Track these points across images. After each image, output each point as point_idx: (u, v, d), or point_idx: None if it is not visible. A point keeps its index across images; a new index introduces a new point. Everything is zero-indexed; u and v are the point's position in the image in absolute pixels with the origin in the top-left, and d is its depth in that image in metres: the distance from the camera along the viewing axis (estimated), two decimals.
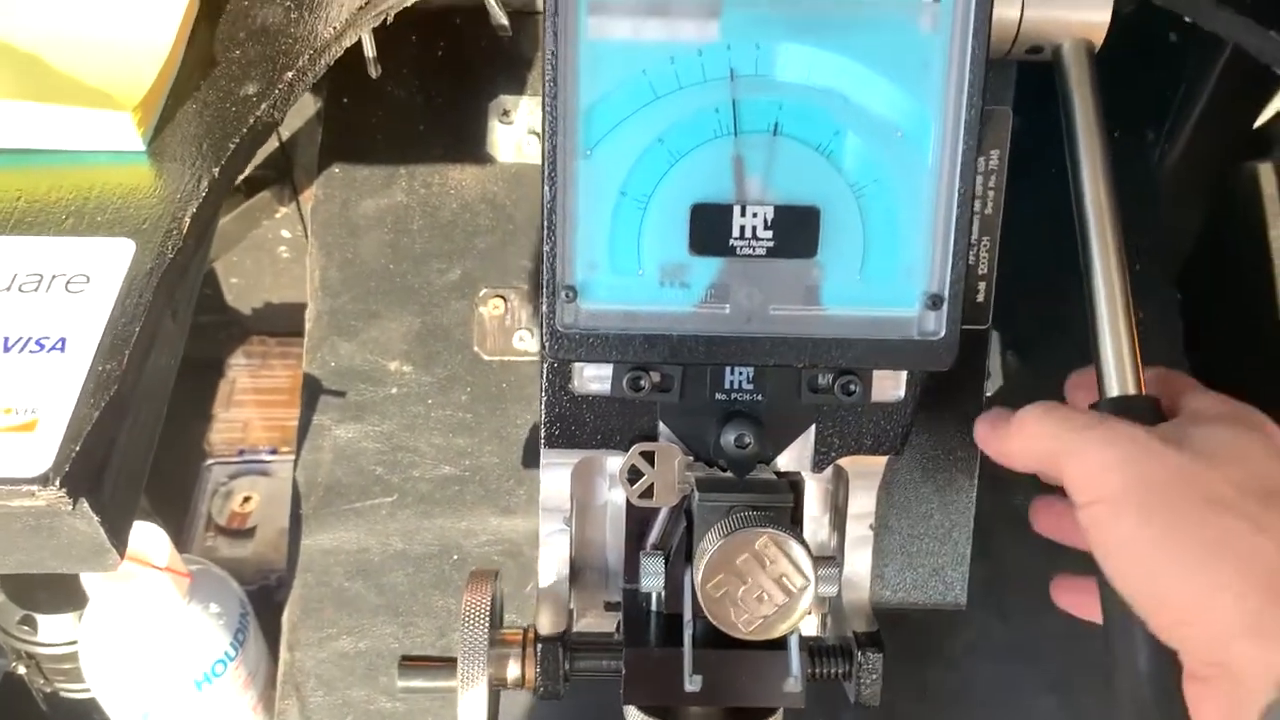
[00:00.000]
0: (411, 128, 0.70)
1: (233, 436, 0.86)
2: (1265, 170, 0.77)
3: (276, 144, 0.78)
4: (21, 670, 0.68)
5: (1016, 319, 0.67)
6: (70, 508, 0.35)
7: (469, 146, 0.70)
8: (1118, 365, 0.43)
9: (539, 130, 0.71)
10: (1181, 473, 0.37)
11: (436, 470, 0.66)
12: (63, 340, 0.37)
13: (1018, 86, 0.50)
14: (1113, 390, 0.43)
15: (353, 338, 0.68)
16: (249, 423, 0.87)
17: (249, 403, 0.88)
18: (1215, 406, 0.42)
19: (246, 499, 0.81)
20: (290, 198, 0.80)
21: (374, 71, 0.64)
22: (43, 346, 0.37)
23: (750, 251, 0.42)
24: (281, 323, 0.90)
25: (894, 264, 0.43)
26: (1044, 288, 0.68)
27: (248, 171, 0.80)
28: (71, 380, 0.36)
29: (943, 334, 0.43)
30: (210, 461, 0.83)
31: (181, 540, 0.79)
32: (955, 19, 0.41)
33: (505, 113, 0.71)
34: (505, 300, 0.69)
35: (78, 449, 0.35)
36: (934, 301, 0.43)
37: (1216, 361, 0.73)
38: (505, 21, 0.67)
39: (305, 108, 0.77)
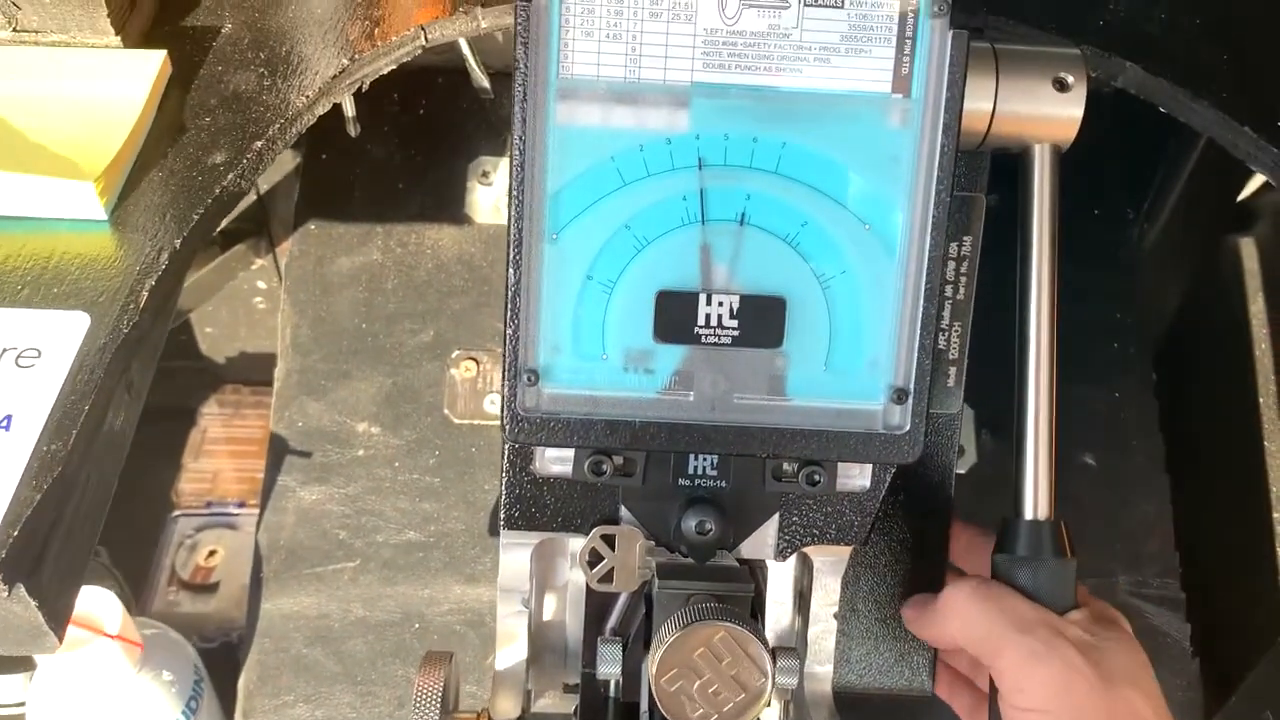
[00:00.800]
0: (390, 186, 0.70)
1: (201, 487, 0.85)
2: (1246, 244, 0.77)
3: (254, 197, 0.78)
4: None
5: (992, 395, 0.67)
6: (5, 593, 0.34)
7: (447, 207, 0.70)
8: (1034, 488, 0.45)
9: None
10: (1105, 698, 0.41)
11: (401, 535, 0.65)
12: (8, 418, 0.37)
13: (996, 163, 0.50)
14: (1027, 512, 0.45)
15: (322, 397, 0.67)
16: (219, 473, 0.86)
17: (220, 453, 0.87)
18: (1107, 611, 0.46)
19: (212, 553, 0.80)
20: (267, 250, 0.80)
21: (353, 130, 0.64)
22: None
23: (715, 340, 0.42)
24: (256, 372, 0.89)
25: (859, 356, 0.42)
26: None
27: (224, 224, 0.80)
28: (14, 461, 0.35)
29: (908, 428, 0.43)
30: (177, 513, 0.82)
31: (143, 593, 0.78)
32: (925, 116, 0.41)
33: (485, 174, 0.71)
34: (477, 363, 0.69)
35: (16, 533, 0.34)
36: (899, 395, 0.42)
37: (1190, 440, 0.73)
38: (487, 84, 0.67)
39: (284, 162, 0.77)
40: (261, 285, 0.83)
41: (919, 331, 0.42)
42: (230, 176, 0.46)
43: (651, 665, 0.41)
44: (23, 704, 0.64)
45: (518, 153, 0.40)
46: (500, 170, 0.71)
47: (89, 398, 0.37)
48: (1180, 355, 0.77)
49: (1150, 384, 0.71)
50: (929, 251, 0.41)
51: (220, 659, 0.70)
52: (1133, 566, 0.66)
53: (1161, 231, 0.75)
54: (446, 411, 0.68)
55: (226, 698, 0.68)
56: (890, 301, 0.42)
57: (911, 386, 0.42)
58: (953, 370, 0.52)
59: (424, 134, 0.71)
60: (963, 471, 0.69)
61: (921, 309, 0.42)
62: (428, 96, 0.72)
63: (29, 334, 0.39)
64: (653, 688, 0.41)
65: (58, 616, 0.36)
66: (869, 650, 0.55)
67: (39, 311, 0.40)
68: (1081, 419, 0.68)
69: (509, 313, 0.41)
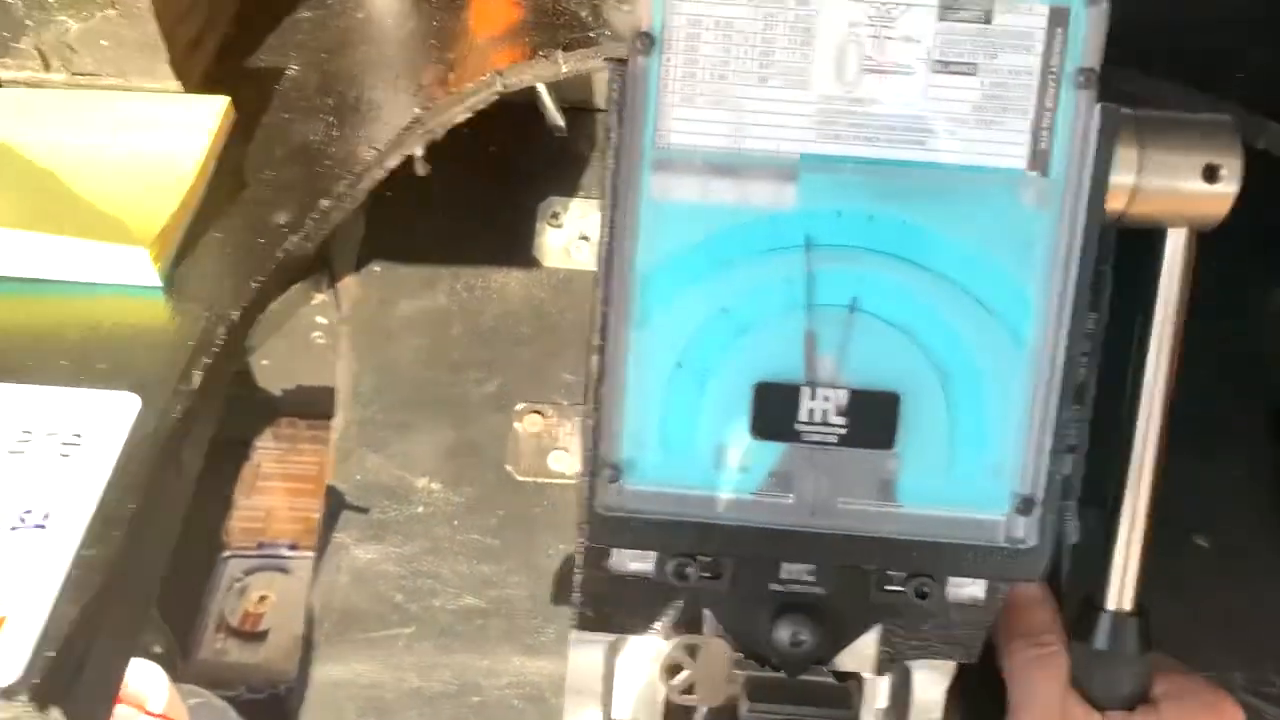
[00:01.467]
0: (456, 227, 0.67)
1: (253, 526, 0.82)
2: None
3: None
4: None
5: (1106, 475, 0.62)
6: (39, 717, 0.30)
7: (515, 249, 0.67)
8: (1121, 580, 0.43)
9: (589, 235, 0.68)
10: None
11: (459, 600, 0.62)
12: (46, 516, 0.33)
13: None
14: (1111, 603, 0.43)
15: (381, 450, 0.64)
16: (272, 511, 0.83)
17: (274, 490, 0.85)
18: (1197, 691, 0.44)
19: (262, 598, 0.77)
20: (328, 285, 0.77)
21: (421, 170, 0.61)
22: (24, 522, 0.33)
23: (819, 438, 0.38)
24: (312, 406, 0.86)
25: (981, 460, 0.38)
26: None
27: None
28: (51, 568, 0.32)
29: (1034, 542, 0.38)
30: (227, 554, 0.80)
31: (189, 640, 0.75)
32: (1065, 197, 0.36)
33: (554, 215, 0.68)
34: (544, 416, 0.65)
35: (53, 655, 0.31)
36: (1025, 505, 0.38)
37: None
38: (561, 122, 0.64)
39: None
40: (321, 320, 0.80)
41: (1049, 434, 0.37)
42: (294, 239, 0.42)
43: None
44: None
45: (607, 229, 0.37)
46: (571, 211, 0.68)
47: (135, 494, 0.34)
48: None
49: (1269, 459, 0.65)
50: (1064, 344, 0.37)
51: (268, 711, 0.67)
52: (1252, 662, 0.60)
53: None
54: (509, 468, 0.64)
55: None
56: (1018, 399, 0.38)
57: (1039, 495, 0.38)
58: (1070, 458, 0.47)
59: (492, 172, 0.67)
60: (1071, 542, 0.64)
61: (1054, 408, 0.37)
62: (497, 133, 0.68)
63: (71, 417, 0.36)
64: None
65: None
66: None
67: (83, 391, 0.37)
68: (1195, 497, 0.62)
69: (591, 402, 0.38)
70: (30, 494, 0.34)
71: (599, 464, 0.38)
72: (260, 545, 0.80)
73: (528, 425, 0.65)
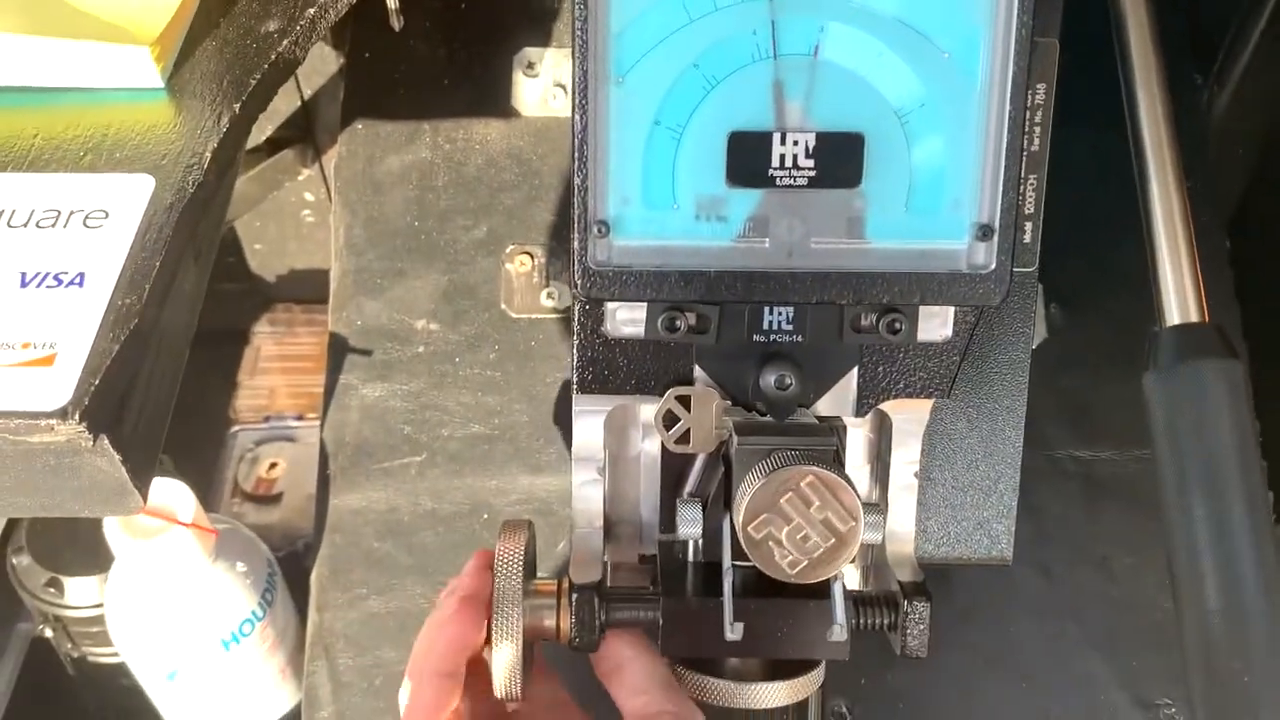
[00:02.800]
0: (435, 82, 0.69)
1: (258, 404, 0.85)
2: None
3: (298, 103, 0.77)
4: (49, 634, 0.68)
5: (1061, 271, 0.65)
6: (90, 443, 0.33)
7: (493, 100, 0.69)
8: (1179, 292, 0.42)
9: (565, 83, 0.70)
10: None
11: (466, 429, 0.65)
12: (81, 275, 0.36)
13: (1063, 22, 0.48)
14: (1173, 318, 0.42)
15: (379, 296, 0.66)
16: (275, 390, 0.86)
17: (274, 370, 0.87)
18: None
19: (273, 465, 0.80)
20: (313, 159, 0.79)
21: (396, 24, 0.63)
22: (61, 281, 0.36)
23: (791, 182, 0.40)
24: (306, 289, 0.89)
25: (941, 193, 0.41)
26: (1090, 239, 0.66)
27: (270, 132, 0.79)
28: (90, 314, 0.35)
29: (993, 266, 0.41)
30: (236, 428, 0.83)
31: (207, 507, 0.78)
32: None
33: (530, 65, 0.70)
34: (532, 257, 0.68)
35: (97, 382, 0.33)
36: (984, 232, 0.41)
37: (1265, 311, 0.70)
38: None
39: (328, 65, 0.76)
40: (309, 197, 0.82)
41: (1003, 165, 0.40)
42: (284, 44, 0.45)
43: (738, 513, 0.40)
44: (100, 605, 0.64)
45: None
46: (546, 61, 0.70)
47: (159, 254, 0.37)
48: (1253, 224, 0.74)
49: (1225, 253, 0.69)
50: (1013, 78, 0.40)
51: (288, 568, 0.70)
52: None
53: (1230, 98, 0.72)
54: (503, 306, 0.67)
55: (297, 603, 0.69)
56: (973, 134, 0.40)
57: (997, 223, 0.41)
58: (1028, 225, 0.50)
59: (467, 27, 0.69)
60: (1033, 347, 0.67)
61: (1006, 140, 0.40)
62: None
63: (95, 197, 0.39)
64: (739, 536, 0.41)
65: (141, 474, 0.36)
66: (946, 519, 0.54)
67: (103, 176, 0.39)
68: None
69: (576, 162, 0.40)
70: (66, 260, 0.37)
71: (588, 221, 0.41)
72: (267, 419, 0.83)
73: (518, 266, 0.68)
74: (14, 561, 0.66)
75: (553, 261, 0.67)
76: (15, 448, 0.33)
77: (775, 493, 0.40)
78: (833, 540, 0.40)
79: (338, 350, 0.66)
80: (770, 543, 0.40)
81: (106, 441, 0.34)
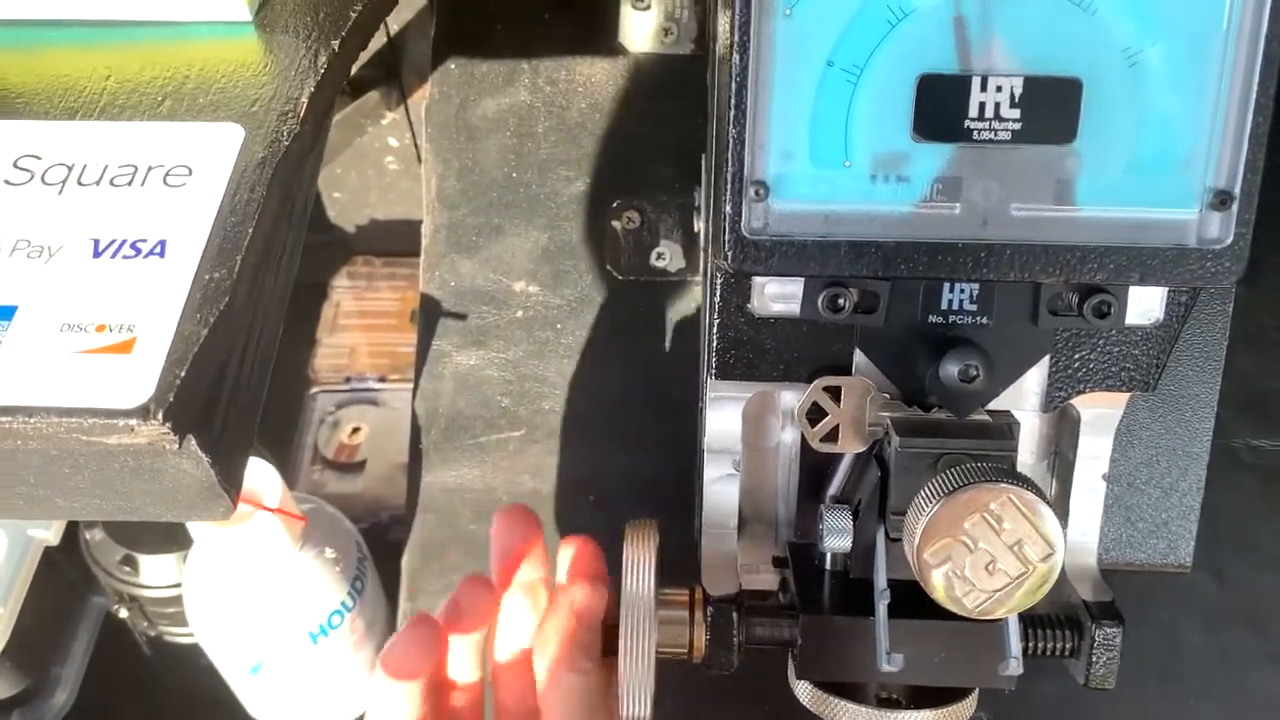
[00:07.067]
0: (534, 16, 0.63)
1: (338, 363, 0.81)
2: None
3: (384, 39, 0.70)
4: (124, 613, 0.64)
5: None
6: (176, 446, 0.28)
7: (599, 36, 0.62)
8: None
9: (678, 17, 0.63)
10: None
11: (567, 402, 0.59)
12: (162, 243, 0.31)
13: None
14: None
15: (473, 255, 0.61)
16: (355, 348, 0.82)
17: (354, 327, 0.83)
18: None
19: (355, 430, 0.75)
20: (399, 101, 0.73)
21: None
22: (139, 251, 0.31)
23: (990, 136, 0.34)
24: (389, 242, 0.84)
25: (1172, 152, 0.34)
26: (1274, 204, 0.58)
27: (352, 70, 0.73)
28: (174, 291, 0.30)
29: (1229, 240, 0.34)
30: (315, 390, 0.78)
31: (286, 474, 0.74)
32: None
33: None
34: (641, 213, 0.61)
35: (183, 374, 0.28)
36: (1221, 200, 0.34)
37: None
38: None
39: None
40: (393, 143, 0.77)
41: (1250, 119, 0.33)
42: None
43: (914, 535, 0.34)
44: (178, 585, 0.61)
45: None
46: None
47: (251, 219, 0.31)
48: None
49: None
50: (1271, 12, 0.32)
51: (371, 541, 0.66)
52: None
53: None
54: (609, 267, 0.61)
55: (384, 582, 0.65)
56: (1214, 80, 0.33)
57: (1238, 190, 0.34)
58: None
59: None
60: None
61: (1256, 90, 0.33)
62: None
63: (176, 150, 0.33)
64: (913, 562, 0.35)
65: (231, 476, 0.31)
66: (1120, 520, 0.48)
67: (185, 124, 0.34)
68: None
69: (733, 111, 0.34)
70: (145, 224, 0.31)
71: (744, 182, 0.35)
72: (348, 380, 0.79)
73: (625, 223, 0.61)
74: (87, 536, 0.63)
75: (664, 218, 0.61)
76: (90, 448, 0.28)
77: (960, 513, 0.34)
78: (1024, 573, 0.34)
79: (430, 313, 0.60)
80: (950, 572, 0.34)
81: (194, 443, 0.29)
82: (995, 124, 0.34)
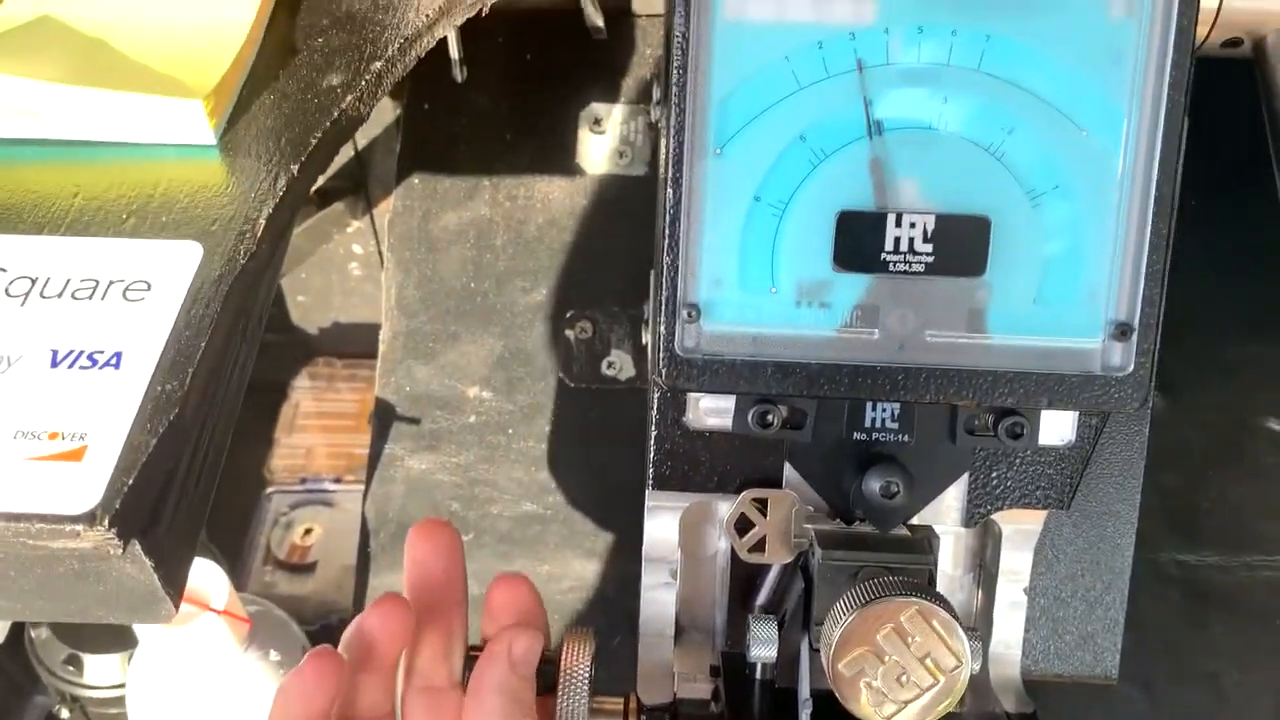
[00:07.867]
0: (497, 136, 0.66)
1: (295, 463, 0.81)
2: None
3: (351, 153, 0.73)
4: (65, 714, 0.64)
5: (1165, 357, 0.60)
6: (120, 550, 0.29)
7: (557, 157, 0.65)
8: None
9: (633, 140, 0.67)
10: None
11: (517, 507, 0.60)
12: (118, 355, 0.32)
13: None
14: None
15: (430, 361, 0.63)
16: (312, 449, 0.82)
17: (313, 428, 0.84)
18: None
19: (308, 530, 0.76)
20: (364, 210, 0.76)
21: (459, 75, 0.60)
22: (95, 362, 0.32)
23: (905, 268, 0.36)
24: (349, 344, 0.85)
25: (1075, 286, 0.36)
26: (1195, 325, 0.61)
27: (320, 183, 0.76)
28: (126, 402, 0.31)
29: (1130, 369, 0.37)
30: (271, 490, 0.79)
31: (238, 574, 0.74)
32: (1155, 2, 0.35)
33: (597, 121, 0.66)
34: (594, 323, 0.64)
35: (130, 482, 0.29)
36: (1122, 331, 0.36)
37: None
38: (600, 23, 0.62)
39: (383, 114, 0.73)
40: (358, 250, 0.79)
41: (1146, 255, 0.36)
42: (349, 99, 0.41)
43: (827, 646, 0.36)
44: (121, 685, 0.60)
45: (678, 53, 0.35)
46: (613, 117, 0.66)
47: (205, 334, 0.33)
48: None
49: None
50: (1160, 158, 0.35)
51: (320, 643, 0.66)
52: None
53: None
54: (561, 375, 0.63)
55: None
56: (1112, 220, 0.36)
57: (1137, 321, 0.36)
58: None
59: (532, 80, 0.66)
60: None
61: (1150, 228, 0.36)
62: (535, 41, 0.67)
63: (137, 266, 0.35)
64: (827, 671, 0.36)
65: (174, 580, 0.32)
66: (1046, 633, 0.49)
67: (147, 241, 0.36)
68: (1266, 380, 0.61)
69: (665, 240, 0.36)
70: (102, 337, 0.33)
71: (676, 304, 0.37)
72: (303, 480, 0.80)
73: (578, 332, 0.64)
74: (32, 634, 0.62)
75: (615, 329, 0.63)
76: (35, 552, 0.29)
77: (872, 625, 0.35)
78: (934, 683, 0.35)
79: (384, 417, 0.62)
80: (861, 683, 0.35)
81: (138, 548, 0.30)
82: (910, 257, 0.36)
